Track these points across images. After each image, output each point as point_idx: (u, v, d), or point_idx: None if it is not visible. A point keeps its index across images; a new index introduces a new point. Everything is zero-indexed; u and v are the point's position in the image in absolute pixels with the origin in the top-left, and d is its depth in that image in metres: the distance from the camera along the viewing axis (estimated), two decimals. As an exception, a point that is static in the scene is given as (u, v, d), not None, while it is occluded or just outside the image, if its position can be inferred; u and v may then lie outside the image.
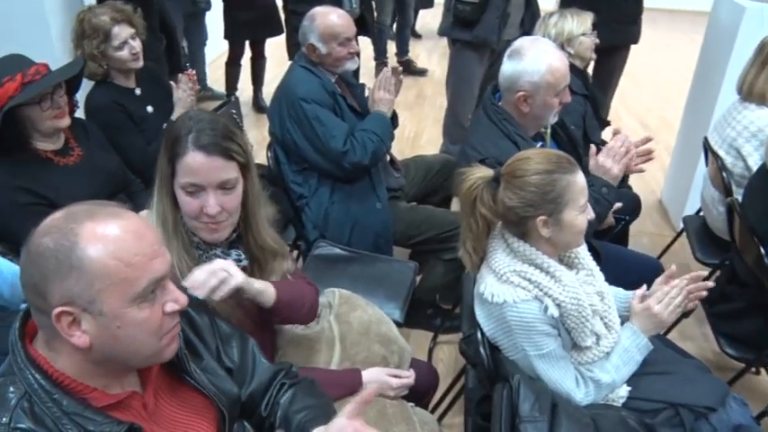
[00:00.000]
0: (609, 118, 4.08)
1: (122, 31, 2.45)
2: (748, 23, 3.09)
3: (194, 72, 2.66)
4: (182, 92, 2.55)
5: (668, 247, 3.22)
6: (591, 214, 1.63)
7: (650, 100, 5.89)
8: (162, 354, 1.05)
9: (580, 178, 1.57)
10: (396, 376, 1.70)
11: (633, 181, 4.16)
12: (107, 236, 0.95)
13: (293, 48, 3.94)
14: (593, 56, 2.91)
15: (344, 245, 2.43)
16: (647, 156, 2.07)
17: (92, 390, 1.00)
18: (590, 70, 3.31)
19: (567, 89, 2.10)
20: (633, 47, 3.84)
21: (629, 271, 2.10)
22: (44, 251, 0.94)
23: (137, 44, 2.50)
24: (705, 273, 1.76)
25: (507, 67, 2.07)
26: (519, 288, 1.55)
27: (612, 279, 1.88)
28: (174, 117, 2.52)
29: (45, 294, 0.94)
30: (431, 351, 2.68)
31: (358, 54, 2.60)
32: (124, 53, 2.45)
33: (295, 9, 3.80)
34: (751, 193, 2.28)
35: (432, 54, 6.92)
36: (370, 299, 2.01)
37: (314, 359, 1.71)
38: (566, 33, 2.79)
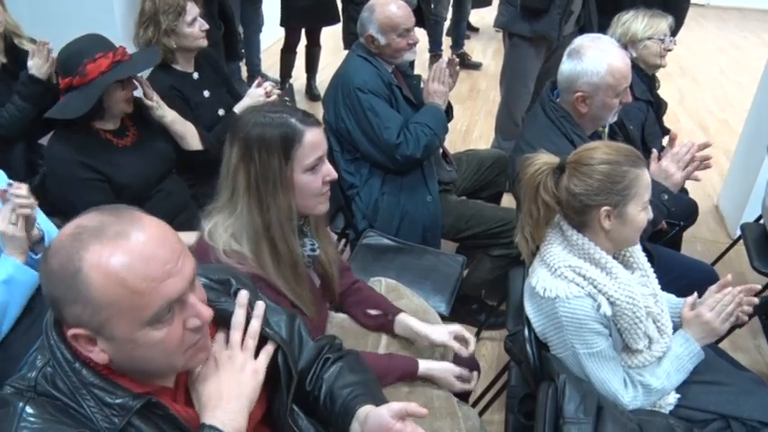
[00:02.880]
0: (665, 119, 3.99)
1: (193, 8, 2.50)
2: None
3: (271, 86, 2.64)
4: (261, 90, 2.56)
5: (723, 254, 3.13)
6: (650, 214, 1.60)
7: (712, 102, 5.71)
8: (186, 365, 1.03)
9: (647, 175, 1.56)
10: (462, 380, 1.70)
11: (690, 185, 4.06)
12: (112, 262, 0.90)
13: (349, 37, 3.95)
14: (663, 63, 2.80)
15: (393, 236, 2.43)
16: (705, 163, 2.01)
17: (120, 377, 1.00)
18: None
19: (628, 89, 2.04)
20: (697, 47, 3.70)
21: (681, 276, 2.05)
22: (52, 273, 0.92)
23: (204, 23, 2.54)
24: (759, 286, 1.69)
25: (566, 66, 2.03)
26: (572, 284, 1.53)
27: (664, 283, 1.84)
28: (238, 108, 2.54)
29: (61, 312, 0.94)
30: (474, 346, 2.67)
31: (416, 45, 2.59)
32: (195, 29, 2.49)
33: (352, -1, 3.81)
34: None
35: (486, 48, 6.85)
36: (417, 290, 2.01)
37: (362, 343, 1.73)
38: (630, 34, 2.72)
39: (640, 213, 1.56)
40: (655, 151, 2.05)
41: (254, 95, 2.56)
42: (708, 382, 1.70)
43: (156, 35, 2.44)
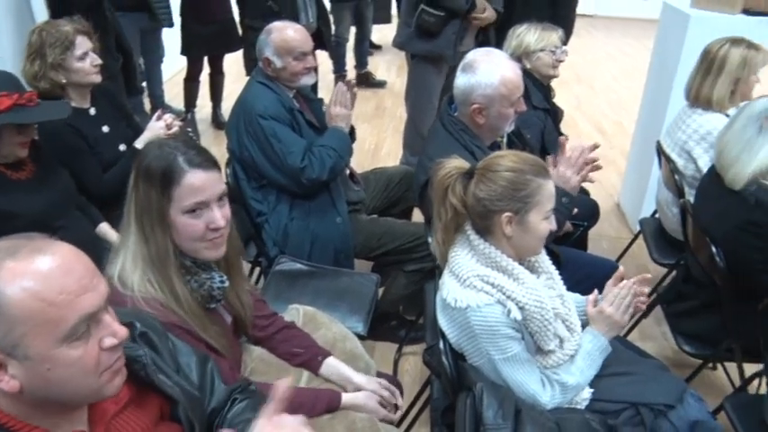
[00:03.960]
0: (564, 125, 4.16)
1: (84, 43, 2.42)
2: (693, 31, 3.18)
3: (172, 118, 2.59)
4: (161, 123, 2.50)
5: (626, 249, 3.28)
6: (553, 224, 1.66)
7: (606, 106, 6.01)
8: (102, 391, 1.00)
9: (551, 185, 1.61)
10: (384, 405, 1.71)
11: (591, 185, 4.25)
12: (27, 274, 0.90)
13: (251, 63, 3.93)
14: (556, 73, 2.93)
15: (305, 260, 2.43)
16: (596, 164, 2.11)
17: (34, 428, 0.96)
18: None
19: (522, 99, 2.13)
20: (589, 56, 3.90)
21: (588, 275, 2.13)
22: None
23: (97, 58, 2.47)
24: (650, 276, 1.78)
25: (461, 80, 2.10)
26: (482, 292, 1.56)
27: (573, 283, 1.91)
28: (139, 143, 2.49)
29: None
30: (396, 363, 2.68)
31: (315, 69, 2.61)
32: (86, 64, 2.42)
33: (252, 24, 3.79)
34: (702, 195, 2.34)
35: (390, 66, 6.97)
36: (333, 313, 2.02)
37: (283, 377, 1.70)
38: (524, 46, 2.84)
39: (542, 222, 1.61)
40: (550, 157, 2.13)
41: (155, 128, 2.51)
42: (617, 374, 1.77)
43: (42, 69, 2.36)
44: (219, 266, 1.56)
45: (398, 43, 3.69)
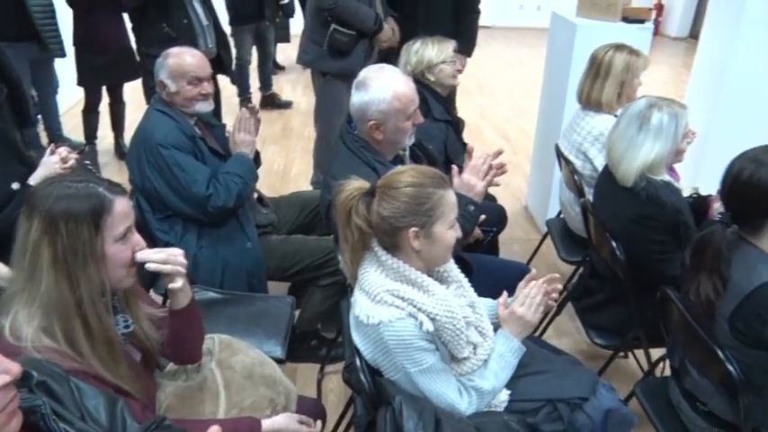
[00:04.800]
0: (469, 134, 4.28)
1: None
2: (580, 39, 3.35)
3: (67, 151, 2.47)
4: (55, 157, 2.39)
5: (536, 250, 3.39)
6: (459, 232, 1.69)
7: (509, 112, 6.21)
8: None
9: (451, 195, 1.64)
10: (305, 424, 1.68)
11: (499, 190, 4.37)
12: None
13: (150, 92, 3.84)
14: (456, 82, 3.03)
15: (217, 288, 2.38)
16: (501, 170, 2.17)
17: None
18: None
19: (418, 111, 2.16)
20: (490, 65, 4.02)
21: (500, 279, 2.18)
22: None
23: None
24: (558, 275, 1.85)
25: (355, 98, 2.12)
26: (393, 307, 1.57)
27: (487, 288, 1.96)
28: (33, 180, 2.36)
29: None
30: (319, 383, 2.66)
31: (213, 95, 2.56)
32: None
33: (149, 52, 3.69)
34: (599, 193, 2.46)
35: (296, 86, 6.96)
36: (250, 339, 1.99)
37: (200, 410, 1.67)
38: (425, 61, 2.90)
39: (448, 232, 1.64)
40: (455, 167, 2.19)
41: (49, 164, 2.39)
42: (533, 373, 1.82)
43: None
44: (121, 308, 1.51)
45: (307, 61, 3.69)
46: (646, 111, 2.20)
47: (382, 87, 2.09)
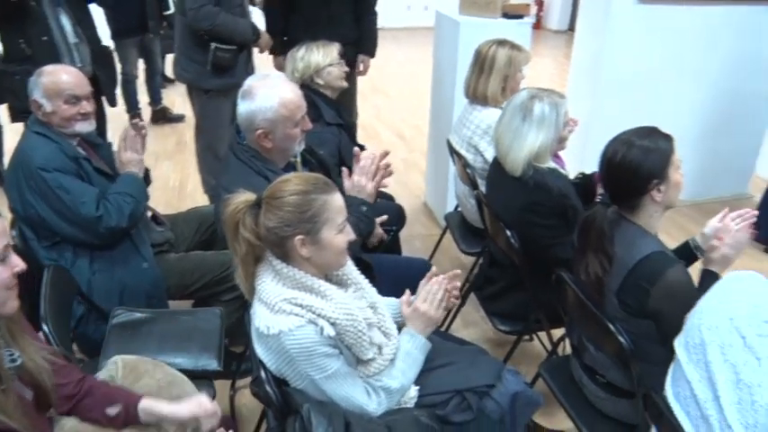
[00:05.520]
0: (366, 136, 4.31)
1: None
2: (464, 36, 3.44)
3: None
4: None
5: (437, 245, 3.45)
6: (351, 235, 1.69)
7: (404, 111, 6.30)
8: None
9: (337, 198, 1.63)
10: None
11: (398, 188, 4.43)
12: None
13: (13, 111, 3.55)
14: (345, 84, 3.03)
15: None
16: (389, 170, 2.19)
17: None
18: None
19: (306, 117, 2.16)
20: (382, 66, 4.06)
21: (403, 277, 2.19)
22: None
23: None
24: (459, 271, 1.90)
25: (242, 107, 2.09)
26: (292, 315, 1.56)
27: (390, 287, 1.97)
28: None
29: None
30: (232, 399, 2.60)
31: (97, 114, 2.45)
32: None
33: (6, 69, 3.44)
34: (490, 184, 2.54)
35: (186, 98, 6.75)
36: (184, 355, 1.98)
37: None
38: (313, 65, 2.89)
39: (336, 236, 1.63)
40: (345, 169, 2.19)
41: None
42: (439, 366, 1.86)
43: None
44: (5, 341, 1.42)
45: (188, 80, 3.59)
46: (528, 102, 2.29)
47: (268, 95, 2.07)
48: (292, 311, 1.56)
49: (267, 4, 3.72)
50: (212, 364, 2.08)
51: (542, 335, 2.64)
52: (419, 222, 4.08)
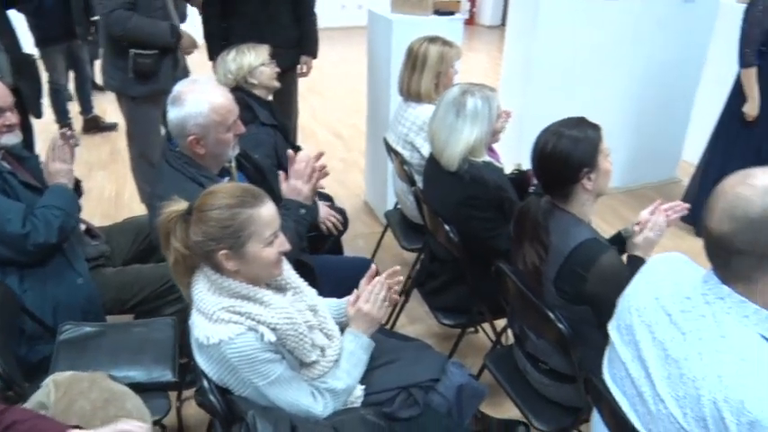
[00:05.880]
0: (303, 136, 4.29)
1: None
2: (397, 34, 3.46)
3: None
4: None
5: (379, 243, 3.46)
6: (285, 245, 1.65)
7: (340, 111, 6.29)
8: None
9: (265, 211, 1.59)
10: None
11: (338, 188, 4.43)
12: None
13: None
14: (277, 84, 3.01)
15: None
16: (323, 171, 2.18)
17: None
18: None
19: (239, 121, 2.13)
20: (318, 66, 4.05)
21: (347, 277, 2.19)
22: None
23: None
24: (398, 267, 1.90)
25: (172, 114, 2.04)
26: (231, 323, 1.54)
27: (334, 288, 1.97)
28: None
29: None
30: (179, 410, 2.55)
31: (19, 126, 2.35)
32: None
33: None
34: (427, 180, 2.56)
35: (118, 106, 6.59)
36: (138, 368, 1.95)
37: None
38: (246, 66, 2.86)
39: (264, 249, 1.59)
40: (281, 173, 2.17)
41: None
42: (384, 364, 1.86)
43: None
44: None
45: (114, 87, 3.49)
46: (460, 98, 2.31)
47: (198, 101, 2.02)
48: (231, 320, 1.54)
49: (205, 9, 3.64)
50: (167, 375, 2.04)
51: (487, 326, 2.68)
52: (360, 221, 4.08)
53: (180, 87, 2.07)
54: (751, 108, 3.60)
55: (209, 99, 2.03)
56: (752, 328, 1.24)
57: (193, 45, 3.57)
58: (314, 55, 3.95)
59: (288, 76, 3.89)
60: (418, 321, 3.13)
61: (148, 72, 3.32)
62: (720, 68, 4.83)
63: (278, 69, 2.96)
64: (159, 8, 3.28)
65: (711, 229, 1.25)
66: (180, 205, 1.62)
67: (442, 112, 2.34)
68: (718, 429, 1.21)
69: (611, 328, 1.55)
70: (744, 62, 3.57)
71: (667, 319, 1.36)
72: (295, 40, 3.79)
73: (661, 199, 2.13)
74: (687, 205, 2.06)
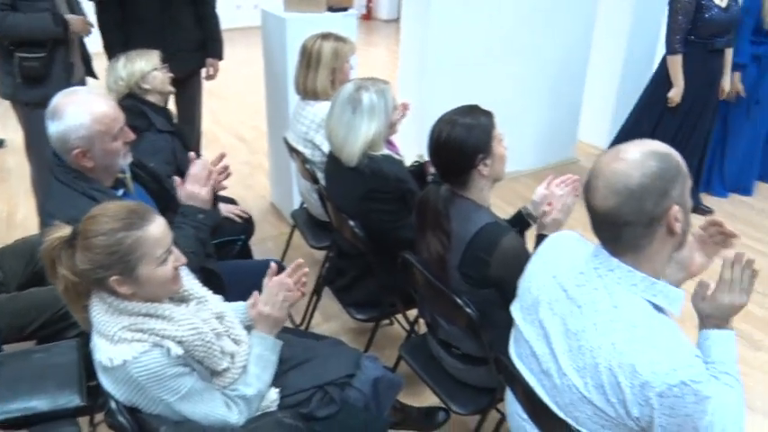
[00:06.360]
0: (206, 141, 4.19)
1: None
2: (291, 32, 3.43)
3: None
4: None
5: (288, 243, 3.42)
6: (180, 259, 1.60)
7: (242, 114, 6.18)
8: None
9: (154, 230, 1.52)
10: None
11: (244, 191, 4.36)
12: None
13: None
14: (172, 89, 2.91)
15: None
16: (225, 174, 2.14)
17: None
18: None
19: (126, 128, 2.03)
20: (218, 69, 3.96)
21: (257, 281, 2.16)
22: None
23: None
24: (302, 260, 1.88)
25: (52, 129, 1.91)
26: (134, 342, 1.48)
27: (244, 293, 1.91)
28: None
29: None
30: (91, 436, 2.45)
31: None
32: None
33: None
34: (328, 177, 2.55)
35: (6, 121, 6.20)
36: (41, 396, 1.83)
37: None
38: (137, 72, 2.76)
39: (158, 269, 1.53)
40: (177, 178, 2.11)
41: None
42: (297, 364, 1.86)
43: None
44: None
45: (7, 94, 3.28)
46: (355, 94, 2.32)
47: (78, 112, 1.91)
48: (134, 338, 1.48)
49: (101, 17, 3.47)
50: (74, 400, 1.93)
51: (401, 317, 2.70)
52: (268, 223, 4.03)
53: (57, 99, 1.95)
54: (675, 94, 3.81)
55: (90, 109, 1.92)
56: (640, 295, 1.31)
57: (85, 28, 3.32)
58: (219, 57, 3.87)
59: (192, 80, 3.80)
60: (333, 318, 3.13)
61: (37, 76, 3.14)
62: (606, 52, 5.10)
63: (171, 74, 2.87)
64: (45, 9, 3.10)
65: (597, 207, 1.31)
66: (63, 231, 1.52)
67: (339, 109, 2.34)
68: (614, 394, 1.27)
69: (514, 308, 1.60)
70: (670, 49, 3.76)
71: (564, 294, 1.42)
72: (198, 42, 3.70)
73: (552, 174, 2.21)
74: (577, 177, 2.13)
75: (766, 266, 2.33)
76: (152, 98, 2.82)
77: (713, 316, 1.57)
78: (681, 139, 3.93)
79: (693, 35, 3.72)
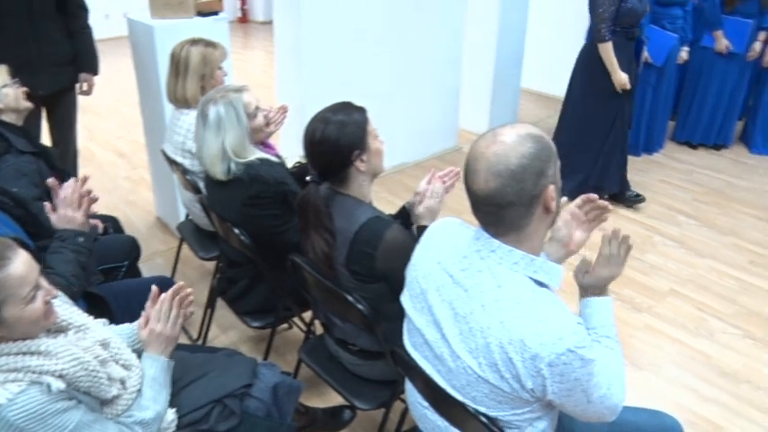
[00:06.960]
0: (82, 160, 3.99)
1: None
2: (160, 40, 3.31)
3: None
4: None
5: (177, 257, 3.32)
6: (51, 293, 1.50)
7: (118, 128, 5.93)
8: None
9: (15, 269, 1.41)
10: None
11: (129, 208, 4.19)
12: None
13: None
14: (28, 104, 2.73)
15: None
16: (90, 196, 2.04)
17: None
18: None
19: None
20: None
21: (145, 300, 2.09)
22: None
23: None
24: (182, 283, 1.83)
25: None
26: (8, 383, 1.39)
27: (136, 313, 1.84)
28: None
29: None
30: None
31: None
32: None
33: None
34: (208, 186, 2.45)
35: None
36: None
37: None
38: None
39: (26, 309, 1.43)
40: (47, 204, 2.00)
41: None
42: (193, 381, 1.82)
43: None
44: None
45: None
46: (203, 108, 2.27)
47: None
48: (7, 379, 1.39)
49: None
50: None
51: (298, 320, 2.69)
52: (156, 239, 3.89)
53: None
54: (616, 80, 3.93)
55: None
56: (522, 273, 1.36)
57: None
58: (94, 71, 3.68)
59: (65, 96, 3.60)
60: (231, 329, 3.07)
61: None
62: (478, 42, 5.27)
63: (24, 89, 2.68)
64: None
65: (479, 190, 1.33)
66: None
67: (196, 123, 2.32)
68: (508, 370, 1.32)
69: (404, 298, 1.62)
70: (600, 38, 3.89)
71: (450, 279, 1.45)
72: (69, 57, 3.50)
73: (435, 168, 2.26)
74: (458, 169, 2.18)
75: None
76: (7, 118, 2.63)
77: (593, 286, 1.68)
78: (620, 122, 4.12)
79: (616, 24, 3.90)
